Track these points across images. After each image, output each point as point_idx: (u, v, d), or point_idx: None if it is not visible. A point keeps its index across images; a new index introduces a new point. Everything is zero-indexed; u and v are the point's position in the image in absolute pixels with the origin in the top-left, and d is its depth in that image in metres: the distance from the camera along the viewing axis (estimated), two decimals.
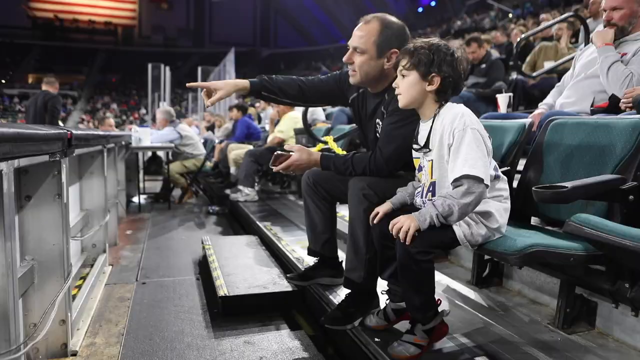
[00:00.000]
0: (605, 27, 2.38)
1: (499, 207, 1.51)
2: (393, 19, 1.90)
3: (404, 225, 1.41)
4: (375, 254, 1.84)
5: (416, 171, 1.68)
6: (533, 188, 1.30)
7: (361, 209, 1.78)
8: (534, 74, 3.82)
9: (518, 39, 3.73)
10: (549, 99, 2.69)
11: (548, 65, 4.25)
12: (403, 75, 1.55)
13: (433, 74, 1.50)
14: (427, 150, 1.55)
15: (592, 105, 2.25)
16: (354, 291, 1.94)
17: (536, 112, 2.57)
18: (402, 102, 1.57)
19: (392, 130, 1.81)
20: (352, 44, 1.86)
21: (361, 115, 2.06)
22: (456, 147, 1.43)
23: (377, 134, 1.92)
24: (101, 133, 2.84)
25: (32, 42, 43.86)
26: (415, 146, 1.63)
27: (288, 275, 2.45)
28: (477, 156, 1.40)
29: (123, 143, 4.79)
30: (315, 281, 2.27)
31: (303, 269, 2.39)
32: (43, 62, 42.94)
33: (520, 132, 1.96)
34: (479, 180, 1.37)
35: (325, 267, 2.26)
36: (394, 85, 1.60)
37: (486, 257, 2.22)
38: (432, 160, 1.55)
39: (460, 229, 1.46)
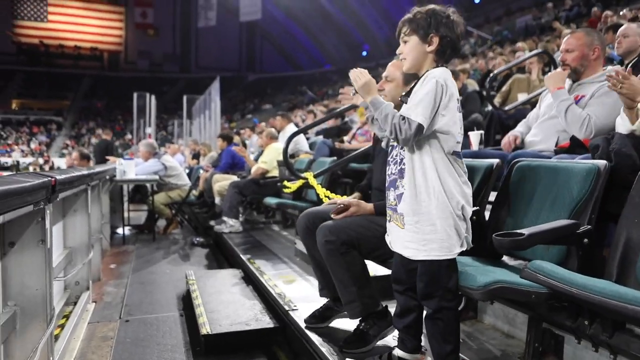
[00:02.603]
0: (561, 67, 2.54)
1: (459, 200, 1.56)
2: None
3: (358, 83, 1.66)
4: (366, 281, 1.99)
5: None
6: (493, 235, 1.39)
7: (332, 255, 1.93)
8: (507, 107, 3.99)
9: (491, 74, 3.90)
10: (519, 128, 2.83)
11: (521, 97, 4.43)
12: (405, 42, 1.66)
13: (431, 35, 1.60)
14: (407, 99, 1.63)
15: (556, 145, 2.38)
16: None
17: (511, 134, 2.69)
18: (406, 65, 1.68)
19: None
20: (384, 74, 2.11)
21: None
22: (418, 91, 1.56)
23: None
24: (85, 172, 2.89)
25: (16, 67, 43.66)
26: (400, 98, 1.75)
27: (305, 319, 2.27)
28: (425, 105, 1.50)
29: (107, 177, 4.81)
30: (334, 319, 2.25)
31: (320, 309, 2.27)
32: (27, 88, 42.69)
33: (488, 172, 2.07)
34: (419, 125, 1.49)
35: (339, 304, 2.21)
36: (397, 51, 1.70)
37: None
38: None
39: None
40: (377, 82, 2.00)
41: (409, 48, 1.64)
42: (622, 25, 5.62)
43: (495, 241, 1.37)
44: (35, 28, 45.65)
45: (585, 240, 1.52)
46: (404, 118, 1.51)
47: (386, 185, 1.72)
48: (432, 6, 1.65)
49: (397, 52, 1.71)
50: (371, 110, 1.64)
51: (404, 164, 1.63)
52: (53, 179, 1.95)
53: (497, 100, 4.81)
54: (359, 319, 2.04)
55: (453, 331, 1.61)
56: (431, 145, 1.57)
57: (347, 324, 2.16)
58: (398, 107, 2.04)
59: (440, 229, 1.54)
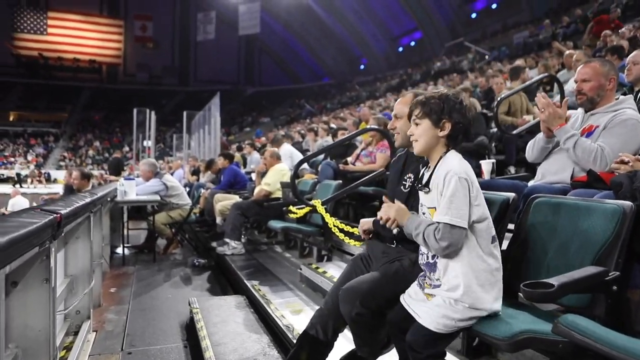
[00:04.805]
0: (576, 97, 2.50)
1: (489, 286, 1.56)
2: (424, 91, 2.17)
3: (390, 217, 1.68)
4: (382, 334, 1.95)
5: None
6: (521, 286, 1.34)
7: (359, 325, 1.88)
8: (515, 131, 3.96)
9: (499, 98, 3.87)
10: None
11: (529, 120, 4.41)
12: (416, 124, 1.68)
13: (444, 120, 1.62)
14: (428, 190, 1.65)
15: (572, 177, 2.33)
16: None
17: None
18: (417, 148, 1.69)
19: None
20: (393, 112, 2.13)
21: (402, 170, 2.13)
22: (442, 192, 1.56)
23: (404, 187, 2.03)
24: (88, 200, 2.83)
25: (15, 79, 43.67)
26: (417, 185, 1.75)
27: None
28: (458, 205, 1.52)
29: (108, 199, 4.75)
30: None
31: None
32: (26, 100, 42.73)
33: (504, 207, 2.01)
34: (459, 227, 1.51)
35: None
36: (408, 133, 1.75)
37: None
38: (435, 208, 1.62)
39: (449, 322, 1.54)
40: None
41: (421, 131, 1.66)
42: (622, 46, 5.67)
43: (525, 293, 1.31)
44: (35, 41, 45.77)
45: (614, 287, 1.46)
46: (437, 226, 1.53)
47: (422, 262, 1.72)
48: (444, 91, 1.69)
49: (408, 133, 1.74)
50: (408, 231, 1.66)
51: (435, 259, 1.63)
52: (59, 215, 1.89)
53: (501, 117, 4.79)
54: None
55: None
56: (467, 244, 1.56)
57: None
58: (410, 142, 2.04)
59: (460, 317, 1.54)
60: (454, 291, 1.55)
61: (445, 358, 1.69)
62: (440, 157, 1.64)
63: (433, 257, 1.64)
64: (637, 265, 1.66)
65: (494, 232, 1.62)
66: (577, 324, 1.20)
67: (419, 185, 1.71)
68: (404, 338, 1.65)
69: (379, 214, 1.74)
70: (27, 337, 1.82)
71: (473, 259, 1.54)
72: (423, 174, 1.74)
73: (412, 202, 2.02)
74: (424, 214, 1.70)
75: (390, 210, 1.71)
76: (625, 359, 1.06)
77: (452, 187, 1.52)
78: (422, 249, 1.69)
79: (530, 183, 2.54)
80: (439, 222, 1.53)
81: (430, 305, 1.59)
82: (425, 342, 1.57)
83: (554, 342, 1.45)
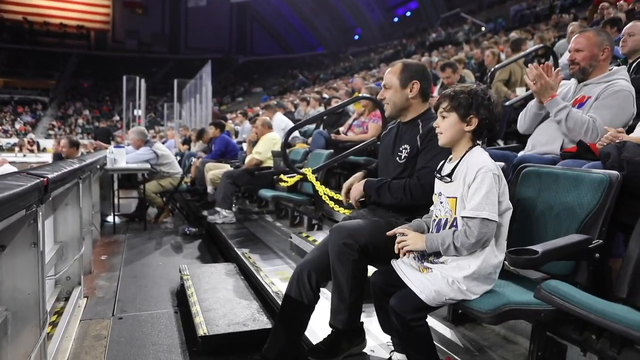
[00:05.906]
0: (569, 66, 2.49)
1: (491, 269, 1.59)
2: (413, 61, 2.22)
3: (409, 246, 1.65)
4: (360, 296, 1.95)
5: (434, 205, 1.78)
6: (507, 253, 1.36)
7: (344, 258, 1.86)
8: (507, 102, 3.95)
9: (493, 69, 3.84)
10: None
11: (520, 92, 4.39)
12: (443, 117, 1.69)
13: (471, 116, 1.64)
14: (449, 180, 1.66)
15: (561, 148, 2.33)
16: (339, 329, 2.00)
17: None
18: (442, 140, 1.71)
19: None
20: (383, 82, 2.13)
21: (395, 141, 2.14)
22: (476, 187, 1.57)
23: (399, 159, 2.05)
24: (77, 166, 2.79)
25: None
26: (437, 175, 1.75)
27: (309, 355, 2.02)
28: (493, 200, 1.55)
29: (98, 166, 4.70)
30: (348, 353, 2.04)
31: (325, 342, 2.03)
32: (10, 66, 41.69)
33: None
34: (493, 222, 1.54)
35: (349, 336, 2.05)
36: (434, 124, 1.75)
37: None
38: (455, 198, 1.65)
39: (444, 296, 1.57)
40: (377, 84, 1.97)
41: (448, 124, 1.68)
42: (620, 18, 5.61)
43: (510, 259, 1.34)
44: (19, 4, 44.36)
45: (597, 255, 1.49)
46: (464, 225, 1.54)
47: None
48: (473, 86, 1.69)
49: (434, 124, 1.74)
50: (433, 250, 1.66)
51: None
52: (45, 179, 1.87)
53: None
54: (332, 328, 2.01)
55: (424, 343, 1.65)
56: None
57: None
58: (401, 109, 2.04)
59: (453, 296, 1.57)
60: (458, 271, 1.56)
61: (431, 325, 1.74)
62: (466, 151, 1.66)
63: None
64: (620, 235, 1.69)
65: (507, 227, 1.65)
66: (558, 289, 1.22)
67: (439, 175, 1.72)
68: (386, 300, 1.68)
69: (398, 247, 1.69)
70: (17, 300, 1.82)
71: (488, 254, 1.57)
72: (444, 164, 1.75)
73: (408, 173, 2.02)
74: (441, 202, 1.71)
75: (409, 240, 1.68)
76: (603, 321, 1.09)
77: (488, 183, 1.55)
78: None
79: (520, 154, 2.55)
80: (471, 217, 1.54)
81: (426, 276, 1.61)
82: (411, 308, 1.60)
83: (536, 311, 1.49)
